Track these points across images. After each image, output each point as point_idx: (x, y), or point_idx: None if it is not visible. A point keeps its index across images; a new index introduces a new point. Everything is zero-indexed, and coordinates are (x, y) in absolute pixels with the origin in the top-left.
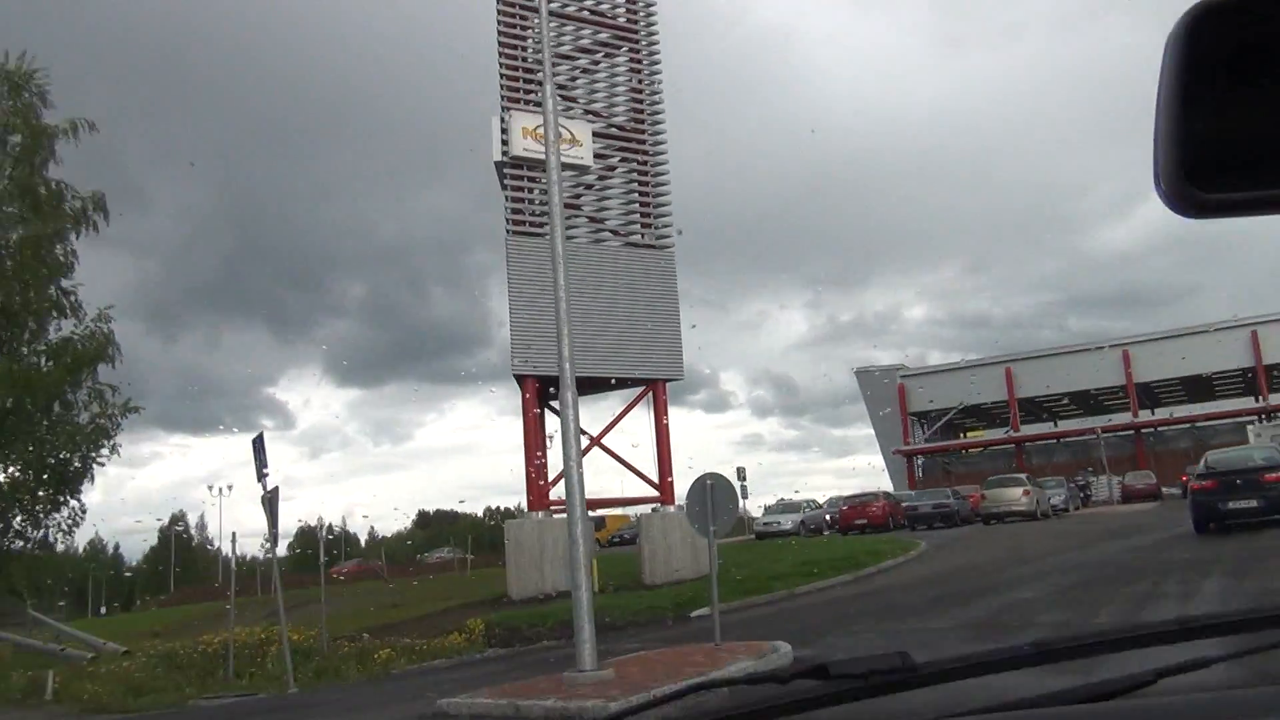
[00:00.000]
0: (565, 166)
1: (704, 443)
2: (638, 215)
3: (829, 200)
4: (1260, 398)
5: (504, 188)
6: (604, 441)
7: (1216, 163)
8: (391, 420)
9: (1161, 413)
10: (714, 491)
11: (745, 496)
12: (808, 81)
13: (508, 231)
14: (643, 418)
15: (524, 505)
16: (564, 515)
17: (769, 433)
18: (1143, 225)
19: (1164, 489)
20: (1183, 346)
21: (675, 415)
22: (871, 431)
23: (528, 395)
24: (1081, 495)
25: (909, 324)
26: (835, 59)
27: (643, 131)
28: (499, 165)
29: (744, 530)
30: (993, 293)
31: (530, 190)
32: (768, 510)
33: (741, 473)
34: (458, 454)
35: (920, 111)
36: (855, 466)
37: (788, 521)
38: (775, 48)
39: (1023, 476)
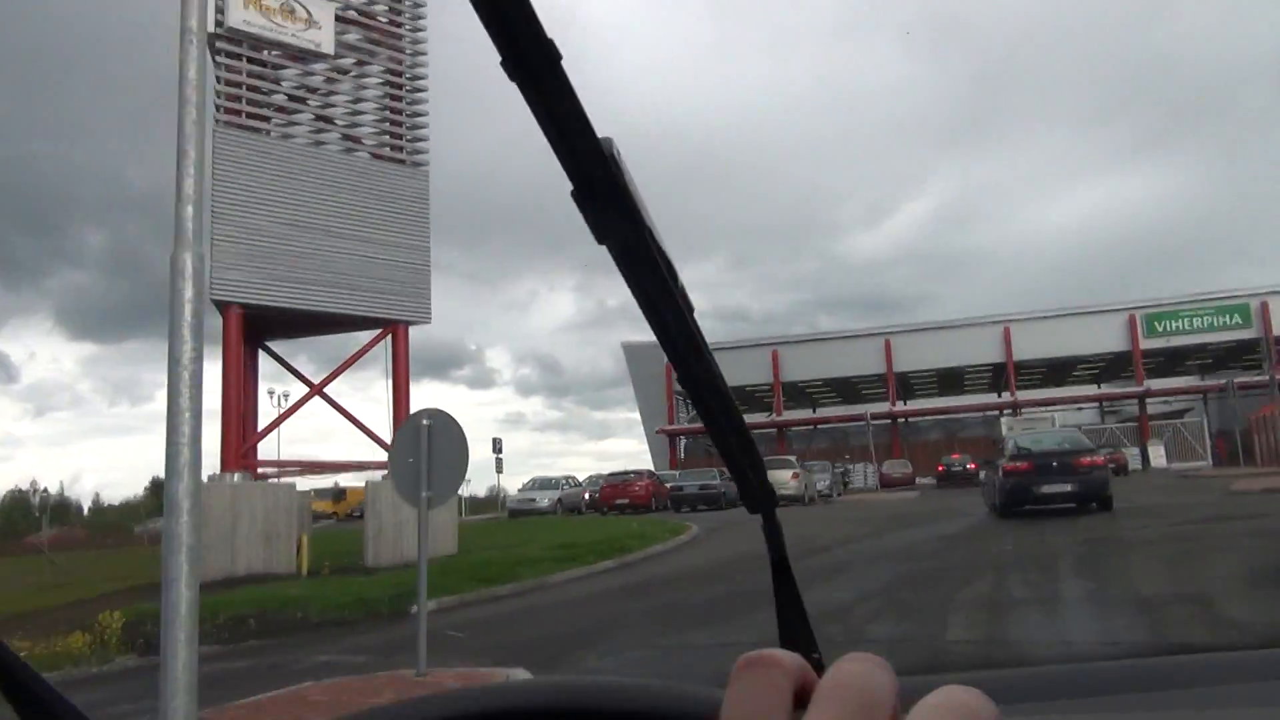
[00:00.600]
0: (297, 51)
1: (466, 420)
2: (387, 124)
3: None
4: (1008, 393)
5: (216, 65)
6: (333, 393)
7: None
8: (131, 380)
9: (914, 404)
10: (431, 437)
11: (500, 471)
12: (594, 75)
13: (217, 120)
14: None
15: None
16: (272, 480)
17: (532, 412)
18: (889, 237)
19: (917, 478)
20: (940, 339)
21: (436, 390)
22: (632, 415)
23: (230, 328)
24: (843, 482)
25: None
26: (621, 57)
27: (400, 24)
28: (212, 39)
29: (497, 508)
30: (752, 288)
31: (251, 75)
32: (524, 487)
33: (497, 444)
34: (207, 418)
35: (699, 114)
36: (614, 450)
37: (544, 499)
38: (562, 26)
39: (792, 459)
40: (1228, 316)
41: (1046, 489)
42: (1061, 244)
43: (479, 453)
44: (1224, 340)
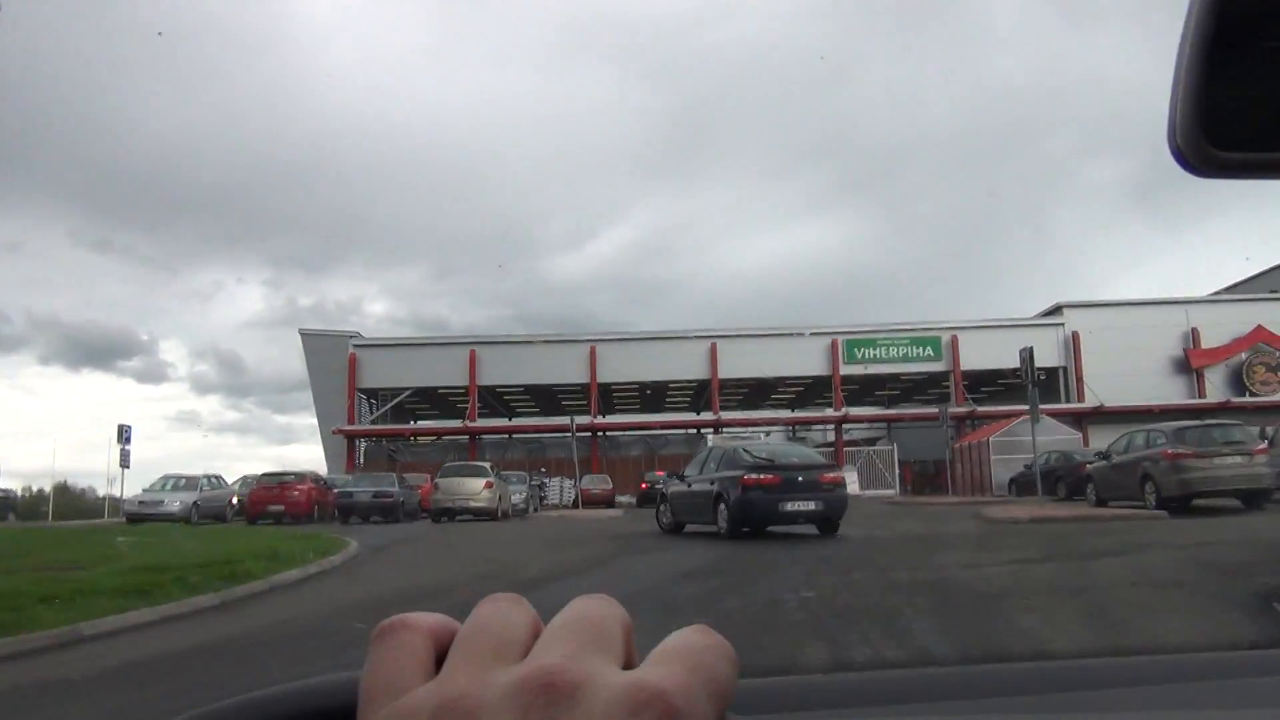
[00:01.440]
0: None
1: (131, 415)
2: None
3: (306, 180)
4: (711, 412)
5: None
6: None
7: (1233, 123)
8: None
9: (614, 418)
10: None
11: (125, 465)
12: (303, 63)
13: None
14: None
15: None
16: None
17: (209, 412)
18: (592, 260)
19: (617, 496)
20: (646, 351)
21: (98, 381)
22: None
23: None
24: (538, 496)
25: (369, 318)
26: (332, 48)
27: None
28: None
29: (107, 513)
30: (453, 300)
31: None
32: (151, 486)
33: (124, 432)
34: None
35: (412, 117)
36: (297, 457)
37: (175, 502)
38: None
39: (486, 465)
40: (921, 348)
41: (791, 506)
42: (762, 282)
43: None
44: (917, 371)
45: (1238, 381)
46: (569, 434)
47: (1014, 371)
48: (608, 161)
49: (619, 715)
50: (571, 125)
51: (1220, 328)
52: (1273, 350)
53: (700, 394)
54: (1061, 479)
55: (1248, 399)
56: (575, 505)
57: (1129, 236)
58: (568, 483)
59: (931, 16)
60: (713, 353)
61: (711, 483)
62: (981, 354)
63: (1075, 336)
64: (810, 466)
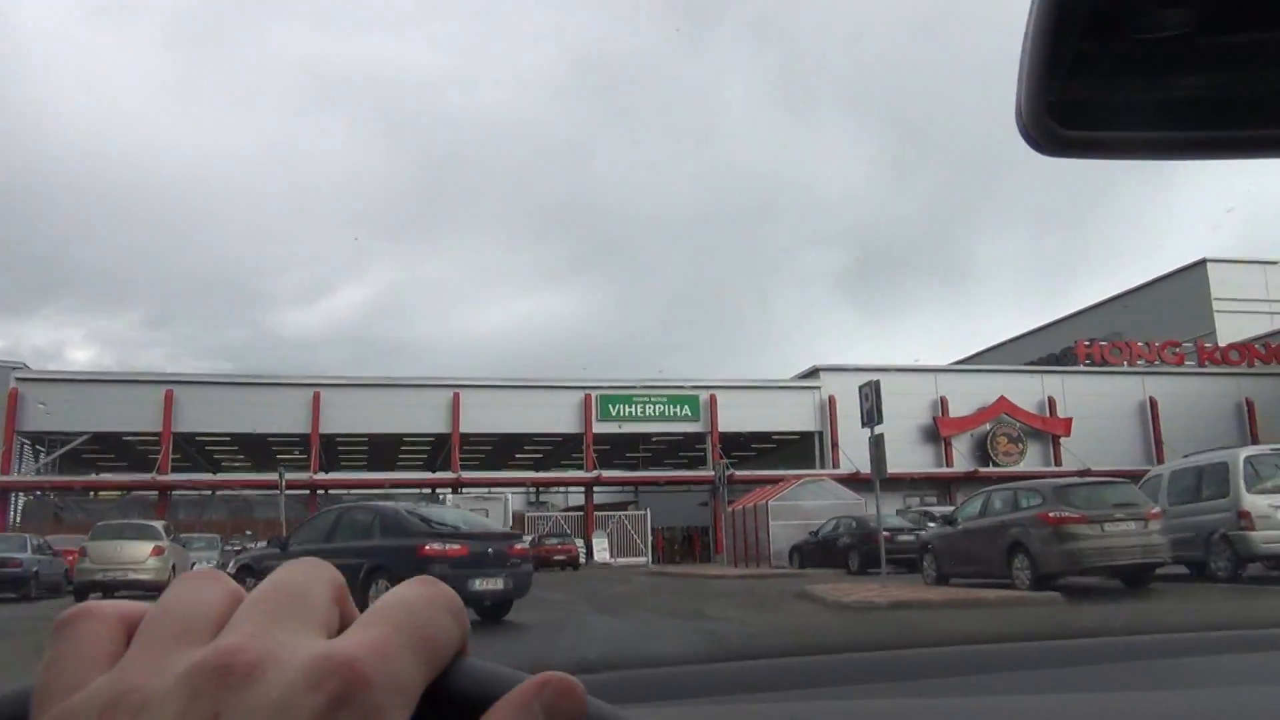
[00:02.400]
0: None
1: None
2: None
3: (16, 216)
4: (450, 470)
5: None
6: None
7: (1078, 105)
8: None
9: (339, 475)
10: None
11: None
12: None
13: None
14: None
15: None
16: None
17: None
18: (326, 316)
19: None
20: (379, 399)
21: None
22: None
23: None
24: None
25: (72, 364)
26: (57, 72)
27: None
28: None
29: None
30: (170, 350)
31: None
32: None
33: None
34: None
35: (140, 153)
36: None
37: None
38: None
39: (158, 526)
40: (679, 406)
41: (482, 585)
42: (506, 347)
43: None
44: (673, 431)
45: (982, 451)
46: (282, 490)
47: (771, 435)
48: (348, 218)
49: (298, 691)
50: (312, 178)
51: (967, 397)
52: (1014, 422)
53: (438, 450)
54: (854, 548)
55: (992, 469)
56: None
57: (837, 320)
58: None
59: (672, 101)
60: (454, 404)
61: (360, 554)
62: (738, 415)
63: (831, 400)
64: (495, 537)
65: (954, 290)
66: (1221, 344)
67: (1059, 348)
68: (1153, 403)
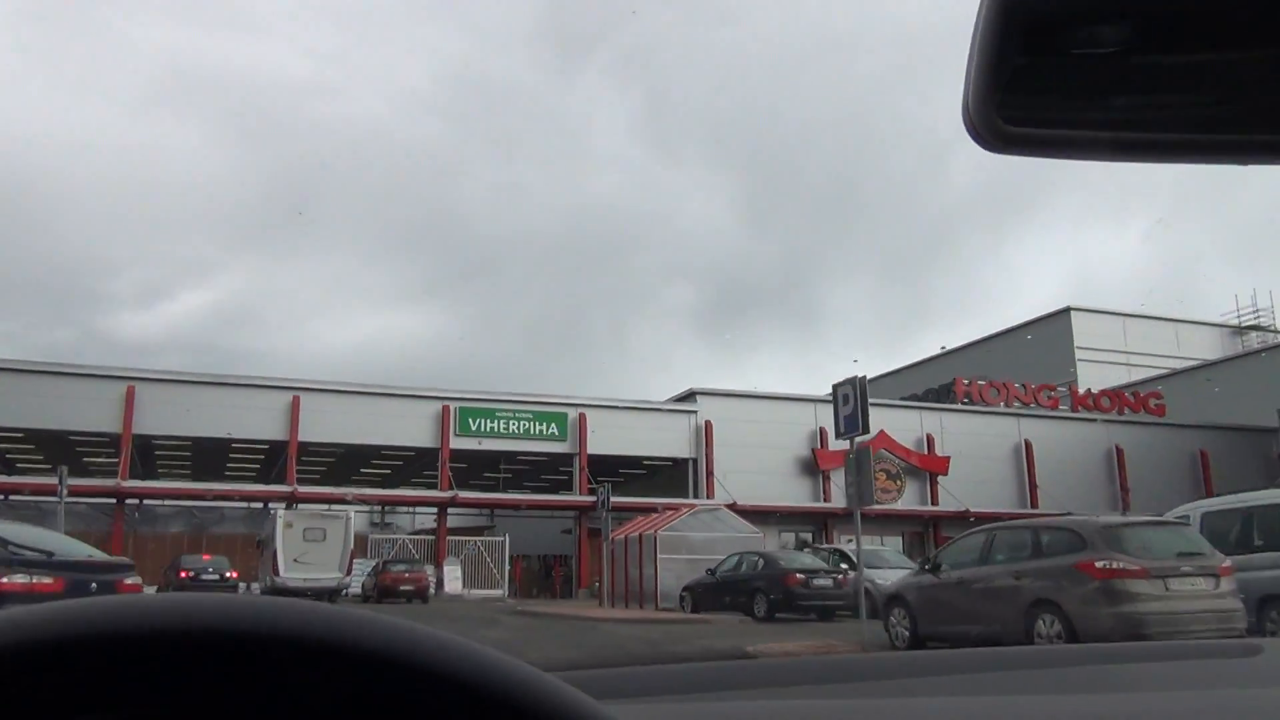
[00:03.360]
0: None
1: None
2: None
3: None
4: (285, 483)
5: None
6: None
7: (1025, 100)
8: None
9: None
10: None
11: None
12: None
13: None
14: None
15: None
16: None
17: None
18: (164, 321)
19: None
20: (201, 397)
21: None
22: None
23: None
24: None
25: None
26: None
27: None
28: None
29: None
30: None
31: None
32: None
33: None
34: None
35: None
36: None
37: None
38: None
39: None
40: (545, 424)
41: None
42: (359, 363)
43: None
44: (538, 451)
45: None
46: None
47: (642, 460)
48: (192, 221)
49: None
50: (155, 176)
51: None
52: (893, 458)
53: (273, 460)
54: (761, 591)
55: (871, 507)
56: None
57: (694, 353)
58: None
59: (534, 129)
60: (294, 408)
61: None
62: (608, 437)
63: (708, 425)
64: (103, 567)
65: (803, 333)
66: (1080, 391)
67: (922, 388)
68: (1028, 445)
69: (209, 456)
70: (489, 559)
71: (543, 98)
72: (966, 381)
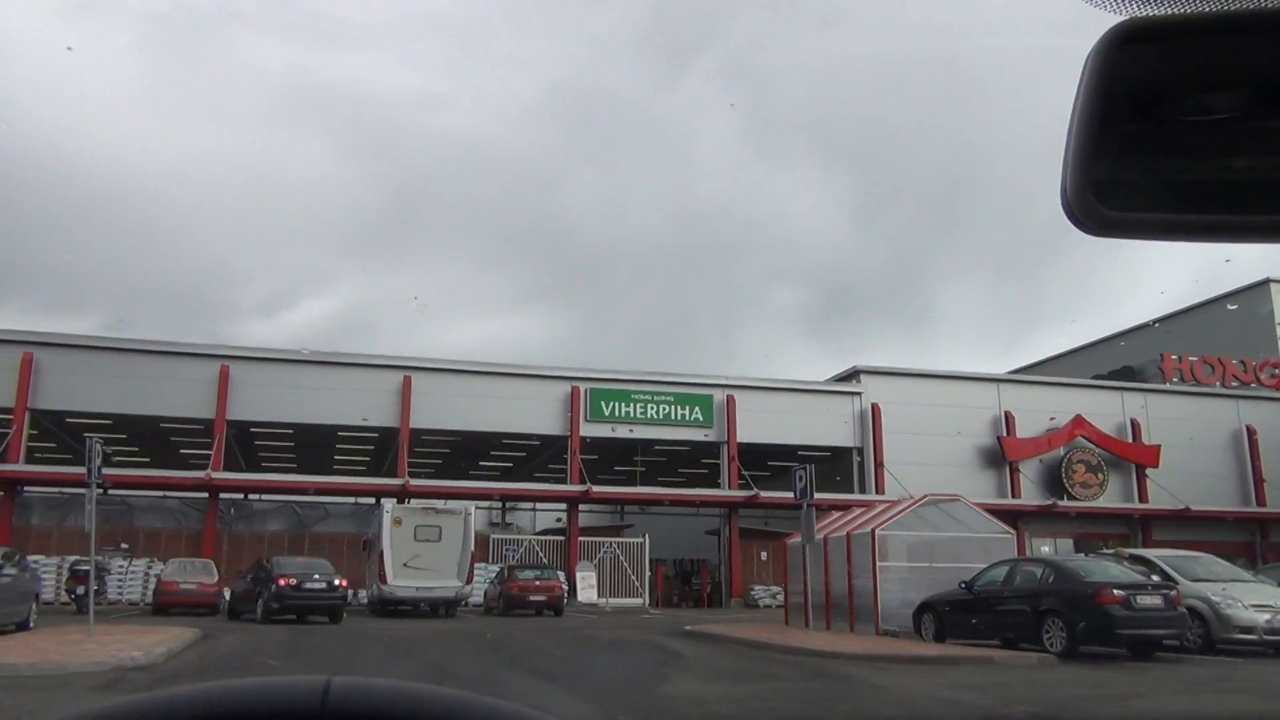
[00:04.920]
0: None
1: None
2: None
3: None
4: (396, 475)
5: None
6: None
7: (1123, 185)
8: None
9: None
10: None
11: None
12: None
13: None
14: None
15: None
16: None
17: None
18: (288, 329)
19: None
20: (308, 378)
21: None
22: None
23: None
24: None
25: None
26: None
27: None
28: None
29: None
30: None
31: None
32: None
33: None
34: None
35: (107, 157)
36: None
37: None
38: None
39: None
40: (688, 408)
41: None
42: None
43: None
44: (679, 439)
45: (1054, 481)
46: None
47: (796, 450)
48: (314, 232)
49: None
50: (279, 189)
51: (1031, 415)
52: (1092, 446)
53: (384, 450)
54: (1058, 614)
55: (1069, 503)
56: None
57: (799, 358)
58: (163, 567)
59: (638, 137)
60: (405, 390)
61: None
62: (758, 424)
63: (875, 409)
64: None
65: (916, 333)
66: None
67: (1106, 368)
68: (1250, 431)
69: (314, 447)
70: (625, 563)
71: (647, 105)
72: (1176, 358)
